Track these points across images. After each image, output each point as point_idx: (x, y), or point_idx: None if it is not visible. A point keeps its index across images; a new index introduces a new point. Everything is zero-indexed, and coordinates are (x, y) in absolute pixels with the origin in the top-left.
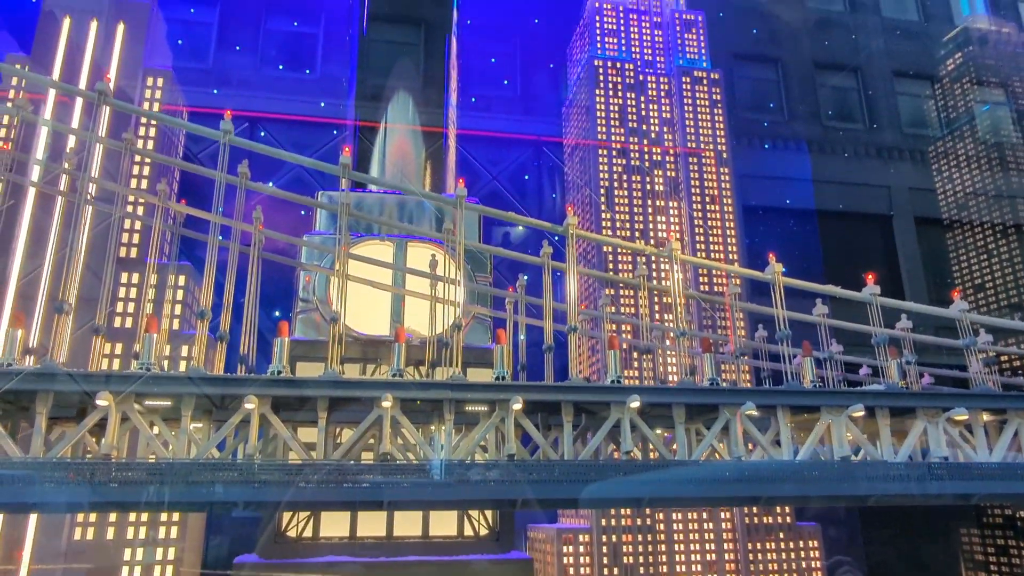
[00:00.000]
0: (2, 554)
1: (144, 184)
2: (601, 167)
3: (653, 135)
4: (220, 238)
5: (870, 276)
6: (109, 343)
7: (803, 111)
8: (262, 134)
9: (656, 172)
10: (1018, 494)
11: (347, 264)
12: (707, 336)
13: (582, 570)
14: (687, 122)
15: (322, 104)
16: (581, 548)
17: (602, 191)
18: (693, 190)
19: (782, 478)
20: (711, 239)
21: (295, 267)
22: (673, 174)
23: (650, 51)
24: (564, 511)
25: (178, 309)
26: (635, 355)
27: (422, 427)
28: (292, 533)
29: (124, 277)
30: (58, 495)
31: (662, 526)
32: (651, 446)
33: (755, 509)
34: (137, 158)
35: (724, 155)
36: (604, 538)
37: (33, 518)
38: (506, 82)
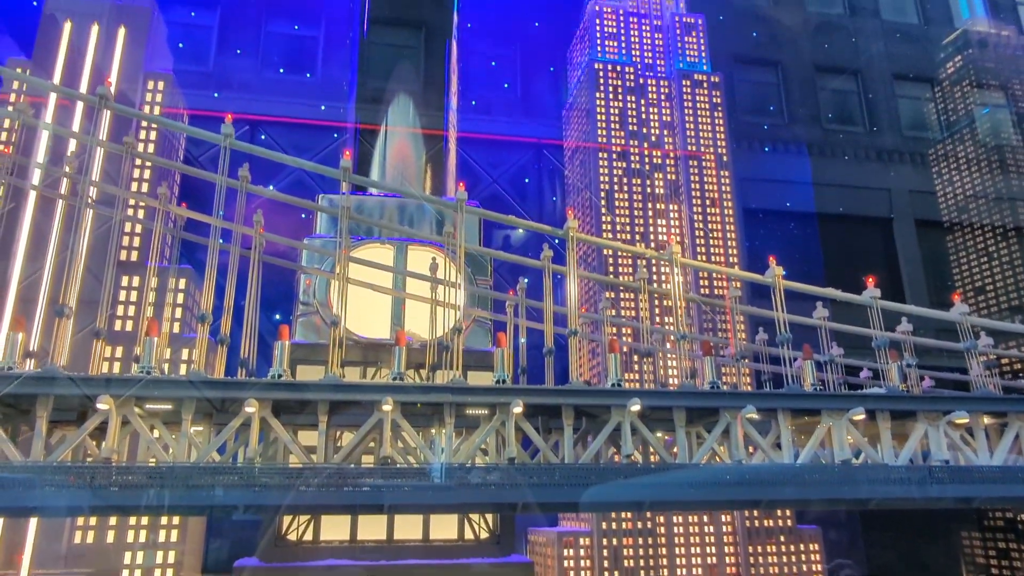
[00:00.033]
0: (2, 558)
1: (145, 187)
2: (601, 170)
3: (653, 138)
4: (221, 241)
5: (870, 279)
6: (110, 346)
7: (803, 114)
8: (263, 137)
9: (656, 175)
10: (1019, 497)
11: (348, 267)
12: (708, 339)
13: (583, 573)
14: (687, 125)
15: (323, 107)
16: (582, 551)
17: (602, 194)
18: (693, 193)
19: (783, 481)
20: (711, 242)
21: (296, 270)
22: (673, 177)
23: (650, 54)
24: (565, 514)
25: (179, 312)
26: (635, 358)
27: (422, 430)
28: (292, 536)
29: (125, 280)
30: (58, 499)
31: (663, 529)
32: (652, 449)
33: (756, 512)
34: (138, 161)
35: (724, 158)
36: (605, 541)
37: (33, 522)
38: (506, 85)
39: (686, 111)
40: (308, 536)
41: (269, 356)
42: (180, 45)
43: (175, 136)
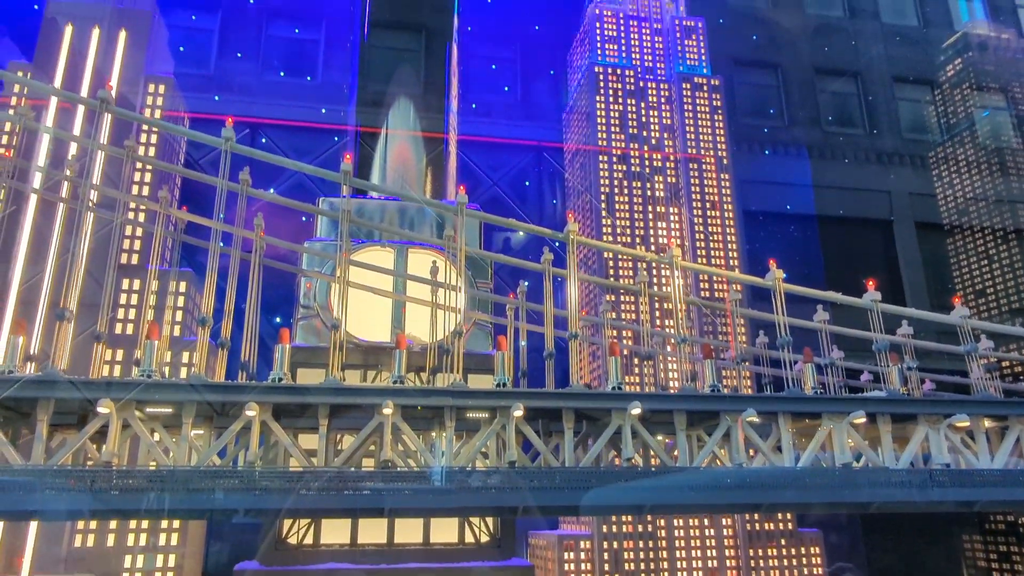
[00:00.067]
0: (2, 561)
1: (145, 191)
2: (602, 173)
3: (654, 141)
4: (221, 244)
5: (871, 282)
6: (110, 350)
7: (803, 117)
8: (263, 140)
9: (656, 178)
10: (1020, 500)
11: (348, 270)
12: (708, 342)
13: None
14: (687, 128)
15: (323, 110)
16: (582, 555)
17: (602, 197)
18: (694, 196)
19: (783, 485)
20: (712, 245)
21: (296, 273)
22: (673, 180)
23: (650, 57)
24: (565, 518)
25: (179, 315)
26: (636, 361)
27: (423, 434)
28: (293, 540)
29: (125, 283)
30: (59, 502)
31: (663, 532)
32: (652, 453)
33: (756, 515)
34: (138, 165)
35: (724, 161)
36: (605, 544)
37: (33, 525)
38: (507, 88)
39: (686, 114)
40: (308, 540)
41: (269, 359)
42: (181, 48)
43: (176, 139)
